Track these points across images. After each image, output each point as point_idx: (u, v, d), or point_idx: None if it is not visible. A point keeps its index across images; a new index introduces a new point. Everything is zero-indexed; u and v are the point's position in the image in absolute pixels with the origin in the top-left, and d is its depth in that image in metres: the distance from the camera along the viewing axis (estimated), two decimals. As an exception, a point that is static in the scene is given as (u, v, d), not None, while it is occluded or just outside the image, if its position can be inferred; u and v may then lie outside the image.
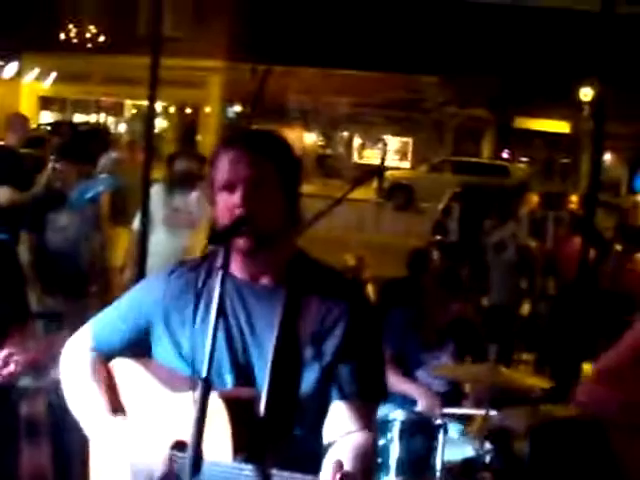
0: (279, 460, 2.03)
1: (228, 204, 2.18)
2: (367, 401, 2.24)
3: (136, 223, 6.78)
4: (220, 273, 2.01)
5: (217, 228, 2.17)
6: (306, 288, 2.25)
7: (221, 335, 2.18)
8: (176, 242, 6.57)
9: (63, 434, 4.71)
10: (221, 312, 2.01)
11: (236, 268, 2.23)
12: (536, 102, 30.81)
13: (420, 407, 4.45)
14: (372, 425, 2.25)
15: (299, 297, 2.23)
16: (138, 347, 2.41)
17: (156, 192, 6.63)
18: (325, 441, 2.19)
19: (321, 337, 2.21)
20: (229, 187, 2.18)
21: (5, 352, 3.71)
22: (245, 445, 2.05)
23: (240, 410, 2.09)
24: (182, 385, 2.23)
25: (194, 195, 6.92)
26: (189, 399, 2.08)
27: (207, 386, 1.93)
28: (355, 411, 2.20)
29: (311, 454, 2.16)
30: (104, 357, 2.46)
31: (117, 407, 2.39)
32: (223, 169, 2.19)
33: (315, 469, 2.05)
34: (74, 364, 2.47)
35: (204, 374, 1.94)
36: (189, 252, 6.37)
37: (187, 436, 2.11)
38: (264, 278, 2.27)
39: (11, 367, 3.69)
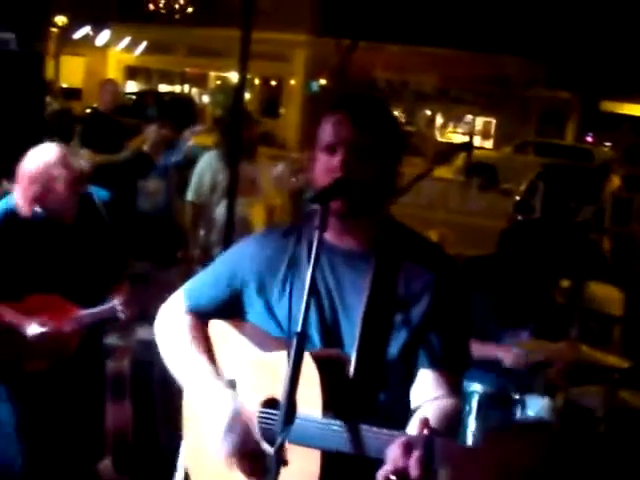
0: (366, 422, 2.05)
1: (328, 165, 2.21)
2: (453, 371, 2.28)
3: (191, 195, 6.80)
4: (316, 233, 2.04)
5: (316, 189, 2.20)
6: (396, 254, 2.28)
7: (312, 299, 2.20)
8: (240, 212, 6.60)
9: (146, 392, 4.86)
10: (316, 270, 2.04)
11: (328, 231, 2.24)
12: (624, 86, 30.15)
13: (506, 364, 4.38)
14: (458, 393, 2.28)
15: (389, 263, 2.26)
16: (231, 309, 2.46)
17: (211, 159, 6.66)
18: (412, 406, 2.23)
19: (408, 303, 2.24)
20: (330, 149, 2.21)
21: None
22: (334, 404, 2.09)
23: (330, 370, 2.12)
24: (274, 345, 2.29)
25: (275, 169, 6.95)
26: (281, 359, 2.13)
27: (302, 339, 1.97)
28: (442, 380, 2.23)
29: (395, 418, 2.18)
30: (199, 318, 2.52)
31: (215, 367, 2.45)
32: (326, 131, 2.23)
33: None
34: (171, 325, 2.54)
35: (299, 329, 1.98)
36: (249, 221, 6.38)
37: (278, 394, 2.17)
38: (354, 243, 2.30)
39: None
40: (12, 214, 3.93)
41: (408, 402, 2.25)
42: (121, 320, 4.18)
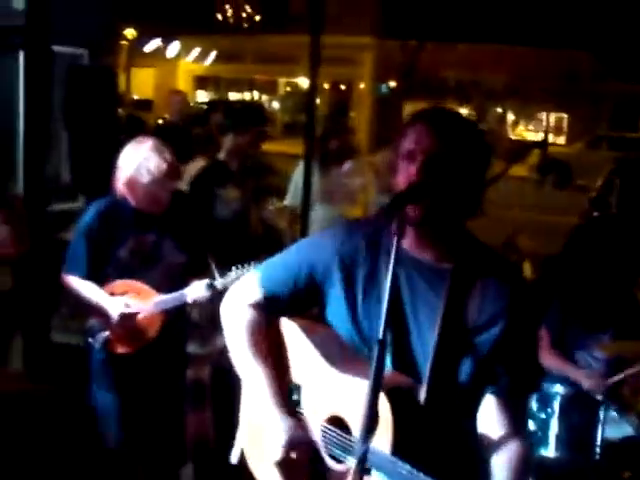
0: (435, 450, 2.07)
1: (407, 173, 2.21)
2: (519, 397, 2.28)
3: (289, 199, 6.94)
4: (395, 239, 2.03)
5: (394, 194, 2.19)
6: (472, 273, 2.26)
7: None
8: (334, 217, 6.64)
9: (227, 400, 4.90)
10: (395, 278, 2.03)
11: (406, 240, 2.26)
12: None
13: (585, 387, 4.35)
14: (524, 424, 2.34)
15: (464, 283, 2.24)
16: (307, 301, 2.46)
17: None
18: (478, 432, 2.23)
19: (480, 327, 2.22)
20: (410, 157, 2.21)
21: None
22: (404, 437, 2.08)
23: (401, 401, 2.11)
24: (342, 360, 2.30)
25: (348, 169, 6.98)
26: (351, 382, 2.17)
27: (383, 348, 1.94)
28: (507, 409, 2.23)
29: (463, 443, 2.22)
30: (272, 305, 2.48)
31: (280, 368, 2.46)
32: (408, 139, 2.23)
33: (459, 457, 2.15)
34: (239, 315, 2.51)
35: (380, 336, 1.95)
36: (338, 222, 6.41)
37: (343, 414, 2.23)
38: (431, 255, 2.28)
39: None
40: (110, 205, 4.17)
41: (475, 427, 2.24)
42: (201, 328, 4.26)
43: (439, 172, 2.18)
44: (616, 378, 4.33)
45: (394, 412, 2.07)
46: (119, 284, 4.16)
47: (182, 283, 4.21)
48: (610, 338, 4.68)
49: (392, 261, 2.01)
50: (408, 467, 1.98)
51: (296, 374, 2.44)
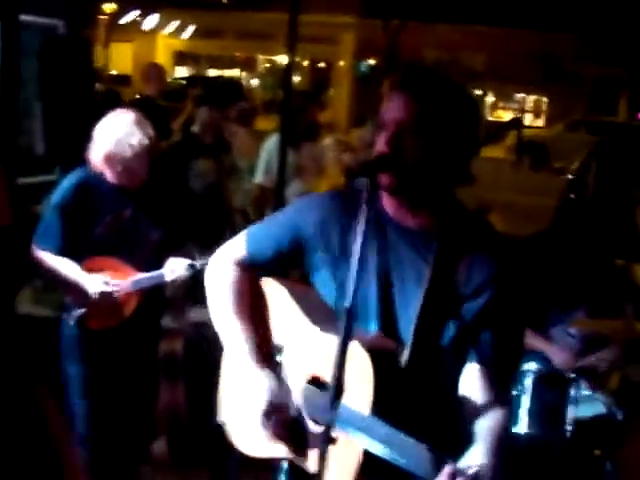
0: (415, 412, 2.06)
1: (379, 141, 2.19)
2: (503, 371, 2.25)
3: (259, 176, 6.90)
4: (364, 207, 2.01)
5: (363, 162, 2.18)
6: (459, 240, 2.24)
7: (372, 272, 2.24)
8: (301, 188, 6.62)
9: (199, 373, 4.89)
10: (365, 246, 2.00)
11: (389, 207, 2.25)
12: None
13: (555, 363, 4.37)
14: (506, 394, 2.30)
15: (451, 249, 2.22)
16: (291, 263, 2.47)
17: (274, 143, 6.69)
18: (459, 397, 2.21)
19: (467, 294, 2.20)
20: (383, 125, 2.19)
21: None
22: (384, 399, 2.07)
23: (383, 363, 2.10)
24: (326, 320, 2.28)
25: (321, 144, 6.98)
26: (333, 342, 2.12)
27: (350, 315, 1.93)
28: (490, 378, 2.20)
29: (442, 409, 2.20)
30: (256, 266, 2.49)
31: (261, 327, 2.45)
32: (384, 108, 2.22)
33: (439, 420, 2.14)
34: (222, 275, 2.51)
35: (347, 304, 1.94)
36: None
37: (325, 375, 2.20)
38: (414, 222, 2.26)
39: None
40: (84, 179, 4.04)
41: (456, 393, 2.22)
42: (175, 302, 4.22)
43: (410, 142, 2.15)
44: (586, 361, 4.35)
45: (376, 372, 2.06)
46: (95, 261, 4.06)
47: (159, 260, 4.16)
48: (585, 315, 4.70)
49: (360, 228, 1.99)
50: (387, 427, 1.97)
51: (279, 335, 2.43)
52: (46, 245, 4.00)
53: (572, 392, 3.98)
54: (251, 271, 2.50)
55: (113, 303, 4.05)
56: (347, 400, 2.01)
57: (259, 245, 2.47)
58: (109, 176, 4.04)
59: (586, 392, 4.22)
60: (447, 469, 1.86)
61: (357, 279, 1.96)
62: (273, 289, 2.50)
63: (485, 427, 2.15)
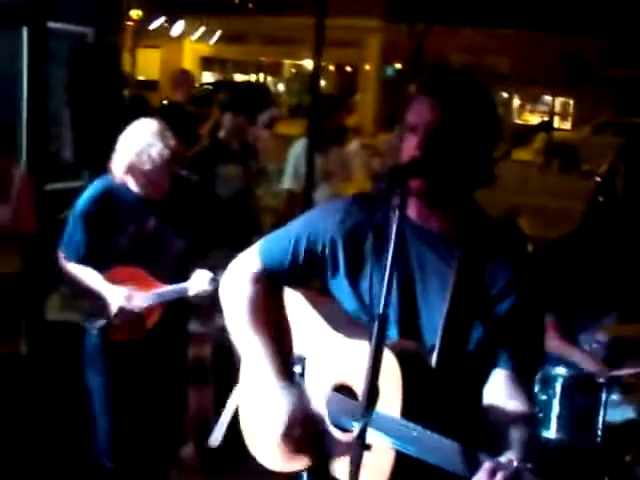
0: (443, 416, 2.04)
1: (410, 145, 2.18)
2: (527, 374, 2.24)
3: (287, 181, 6.86)
4: (397, 213, 2.00)
5: (394, 165, 2.15)
6: (481, 244, 2.23)
7: (393, 277, 2.18)
8: (330, 192, 6.61)
9: (228, 378, 4.90)
10: (398, 250, 2.00)
11: (412, 211, 2.23)
12: None
13: (586, 370, 4.33)
14: (531, 397, 2.27)
15: (474, 253, 2.22)
16: (307, 274, 2.43)
17: (302, 147, 6.68)
18: (487, 403, 2.19)
19: (492, 299, 2.20)
20: (412, 129, 2.18)
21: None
22: (415, 402, 2.06)
23: (411, 366, 2.08)
24: (350, 328, 2.26)
25: (348, 148, 6.97)
26: (358, 347, 2.13)
27: (384, 321, 1.92)
28: (517, 384, 2.19)
29: (469, 413, 2.18)
30: (270, 280, 2.46)
31: (280, 340, 2.43)
32: (412, 111, 2.20)
33: (468, 423, 2.11)
34: (239, 288, 2.48)
35: (381, 310, 1.93)
36: None
37: (351, 381, 2.19)
38: (438, 226, 2.25)
39: None
40: (108, 189, 4.04)
41: (481, 398, 2.21)
42: (203, 307, 4.22)
43: (441, 146, 2.14)
44: (620, 372, 4.30)
45: (404, 376, 2.05)
46: (119, 271, 4.06)
47: (184, 271, 4.14)
48: (614, 322, 4.66)
49: (393, 236, 1.98)
50: (420, 428, 1.96)
51: (300, 346, 2.41)
52: (70, 254, 4.05)
53: (602, 397, 3.95)
54: (267, 284, 2.47)
55: (135, 317, 4.05)
56: (380, 407, 1.99)
57: (273, 256, 2.44)
58: (132, 186, 4.04)
59: (616, 397, 4.19)
60: (487, 465, 1.83)
61: (389, 285, 1.95)
62: (292, 299, 2.47)
63: (516, 432, 2.12)
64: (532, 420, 2.22)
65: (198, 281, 4.06)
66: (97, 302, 4.04)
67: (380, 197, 2.29)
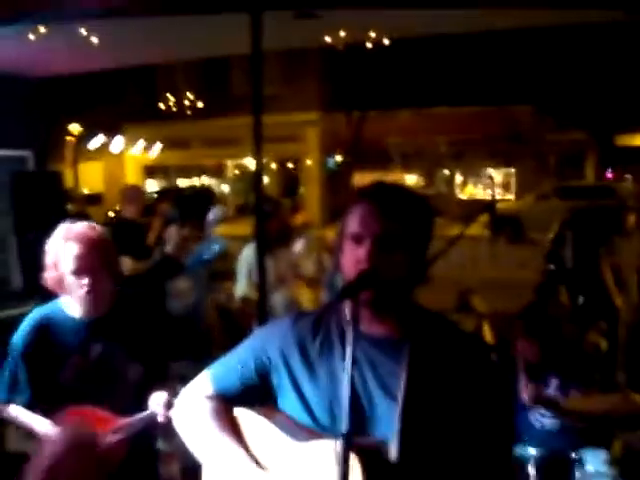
0: None
1: (355, 255, 2.20)
2: (494, 467, 2.24)
3: (241, 289, 6.76)
4: (351, 327, 2.02)
5: (344, 283, 2.18)
6: (430, 342, 2.25)
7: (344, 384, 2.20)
8: (285, 297, 6.59)
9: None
10: (354, 365, 2.02)
11: (359, 320, 2.23)
12: (636, 117, 30.03)
13: (524, 399, 4.27)
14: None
15: (424, 350, 2.23)
16: (259, 394, 2.43)
17: (252, 251, 6.59)
18: None
19: (445, 398, 2.20)
20: (357, 239, 2.21)
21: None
22: None
23: (372, 460, 2.08)
24: (306, 435, 2.25)
25: (299, 249, 6.97)
26: (318, 449, 2.12)
27: (348, 442, 1.92)
28: (488, 472, 2.20)
29: None
30: (224, 402, 2.47)
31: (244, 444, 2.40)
32: (354, 220, 2.23)
33: None
34: (195, 411, 2.48)
35: (344, 429, 1.93)
36: (296, 304, 6.37)
37: None
38: (386, 331, 2.28)
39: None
40: (44, 317, 3.72)
41: None
42: (165, 424, 4.09)
43: (388, 255, 2.17)
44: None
45: (364, 470, 2.03)
46: (69, 413, 3.59)
47: (142, 398, 3.69)
48: (555, 391, 4.62)
49: (349, 350, 2.00)
50: None
51: (262, 459, 2.38)
52: (15, 398, 3.70)
53: (576, 473, 3.92)
54: (223, 403, 2.47)
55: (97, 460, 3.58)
56: None
57: (225, 380, 2.47)
58: (71, 308, 3.72)
59: (590, 470, 4.16)
60: None
61: (350, 401, 1.96)
62: (243, 416, 2.46)
63: None
64: None
65: (159, 403, 3.65)
66: None
67: (326, 309, 2.32)
